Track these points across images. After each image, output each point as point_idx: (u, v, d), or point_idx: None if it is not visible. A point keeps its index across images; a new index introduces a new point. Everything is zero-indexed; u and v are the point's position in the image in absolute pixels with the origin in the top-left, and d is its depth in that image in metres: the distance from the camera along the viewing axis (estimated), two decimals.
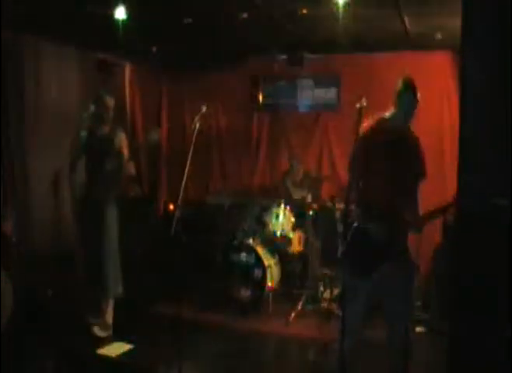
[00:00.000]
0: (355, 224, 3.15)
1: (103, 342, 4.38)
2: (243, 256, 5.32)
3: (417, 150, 3.25)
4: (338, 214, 5.33)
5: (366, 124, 3.21)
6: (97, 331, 4.46)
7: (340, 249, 3.12)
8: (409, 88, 3.12)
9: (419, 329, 4.83)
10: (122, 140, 4.58)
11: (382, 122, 3.18)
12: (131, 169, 4.55)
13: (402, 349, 3.15)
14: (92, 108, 4.55)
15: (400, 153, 3.16)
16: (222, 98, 6.83)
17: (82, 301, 4.80)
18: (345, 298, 3.10)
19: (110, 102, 4.57)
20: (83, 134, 4.61)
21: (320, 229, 5.68)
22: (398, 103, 3.14)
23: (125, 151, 4.55)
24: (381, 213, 3.11)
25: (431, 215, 3.08)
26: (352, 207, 3.22)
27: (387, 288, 3.13)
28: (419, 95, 3.14)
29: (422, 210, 3.17)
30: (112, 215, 4.58)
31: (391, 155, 3.14)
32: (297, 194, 5.90)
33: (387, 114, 3.19)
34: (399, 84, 3.15)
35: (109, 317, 4.58)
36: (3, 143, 5.01)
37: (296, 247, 5.52)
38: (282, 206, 5.50)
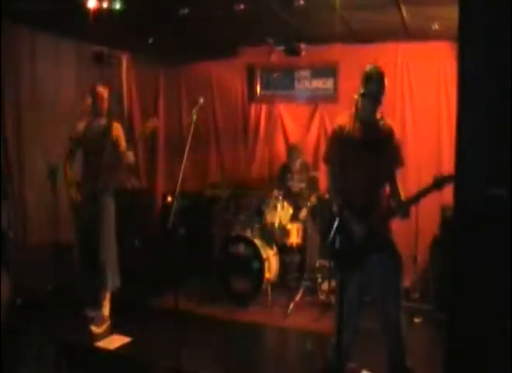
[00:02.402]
0: (337, 218, 3.19)
1: (102, 335, 4.39)
2: (241, 247, 5.32)
3: (391, 140, 3.25)
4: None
5: (339, 119, 3.27)
6: (94, 328, 4.45)
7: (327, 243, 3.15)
8: (373, 73, 3.14)
9: (417, 320, 4.85)
10: (118, 131, 4.56)
11: (353, 116, 3.17)
12: (129, 159, 4.52)
13: (397, 336, 3.19)
14: (88, 100, 4.53)
15: (372, 145, 3.18)
16: (220, 89, 6.81)
17: (79, 294, 4.80)
18: (338, 291, 3.12)
19: (104, 92, 4.54)
20: (80, 126, 4.60)
21: (318, 221, 5.67)
22: (364, 91, 3.12)
23: (122, 143, 4.53)
24: (359, 206, 3.15)
25: (416, 198, 3.08)
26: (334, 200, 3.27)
27: (376, 279, 3.19)
28: (385, 81, 3.16)
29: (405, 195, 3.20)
30: (109, 207, 4.57)
31: (363, 148, 3.17)
32: (295, 185, 5.88)
33: (358, 107, 3.16)
34: (363, 73, 3.17)
35: (106, 310, 4.59)
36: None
37: (294, 239, 5.51)
38: (280, 197, 5.49)
